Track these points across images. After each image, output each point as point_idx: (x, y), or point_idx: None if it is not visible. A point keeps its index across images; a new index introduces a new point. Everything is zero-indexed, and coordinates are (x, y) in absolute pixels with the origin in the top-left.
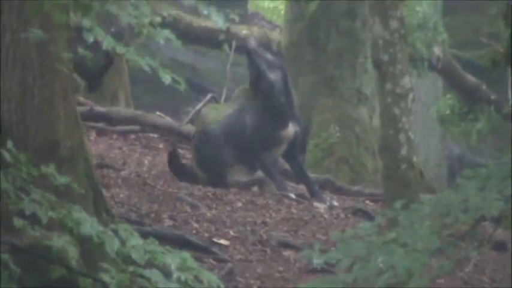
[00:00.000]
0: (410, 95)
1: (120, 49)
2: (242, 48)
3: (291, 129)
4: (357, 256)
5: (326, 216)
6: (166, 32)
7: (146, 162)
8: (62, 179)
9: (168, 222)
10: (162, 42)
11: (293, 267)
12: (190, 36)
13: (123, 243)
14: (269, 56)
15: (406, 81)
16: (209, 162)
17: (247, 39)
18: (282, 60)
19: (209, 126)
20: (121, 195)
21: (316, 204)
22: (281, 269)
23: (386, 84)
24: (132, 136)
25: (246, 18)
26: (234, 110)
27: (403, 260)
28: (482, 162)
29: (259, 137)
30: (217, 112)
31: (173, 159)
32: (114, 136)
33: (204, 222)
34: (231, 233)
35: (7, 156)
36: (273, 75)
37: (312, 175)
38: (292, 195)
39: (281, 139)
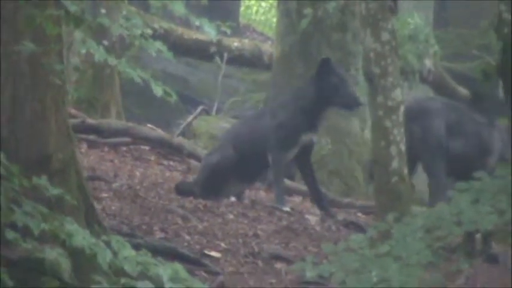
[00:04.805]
0: (402, 108)
1: (111, 61)
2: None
3: (309, 134)
4: (350, 269)
5: (318, 228)
6: (158, 44)
7: (138, 174)
8: (54, 191)
9: (159, 235)
10: (154, 53)
11: (285, 279)
12: (181, 48)
13: (115, 254)
14: None
15: (398, 93)
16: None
17: None
18: None
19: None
20: (112, 208)
21: (307, 216)
22: (273, 281)
23: (377, 97)
24: (124, 148)
25: (238, 31)
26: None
27: (398, 274)
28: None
29: (282, 136)
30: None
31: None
32: (106, 148)
33: (195, 235)
34: (223, 245)
35: None
36: None
37: (303, 187)
38: (288, 209)
39: (298, 142)
